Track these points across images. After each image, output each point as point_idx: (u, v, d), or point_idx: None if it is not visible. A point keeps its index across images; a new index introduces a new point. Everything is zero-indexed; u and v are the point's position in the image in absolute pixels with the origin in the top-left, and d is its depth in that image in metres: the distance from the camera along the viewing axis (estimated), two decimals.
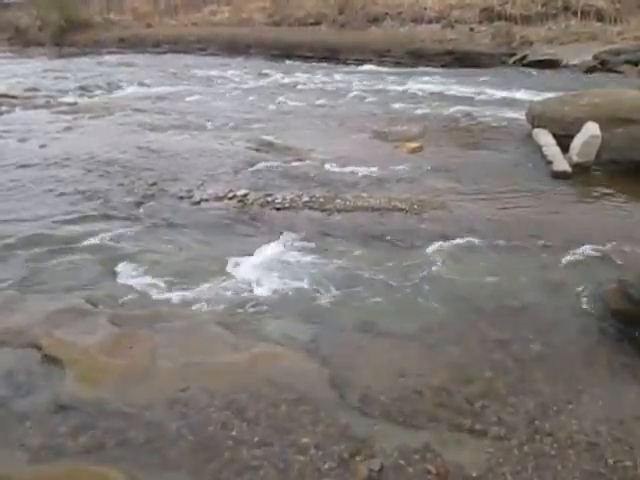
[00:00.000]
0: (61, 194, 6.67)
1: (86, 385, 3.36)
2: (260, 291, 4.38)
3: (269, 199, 6.31)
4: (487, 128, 9.68)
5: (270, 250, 5.06)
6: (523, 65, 16.88)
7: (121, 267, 4.81)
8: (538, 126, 8.51)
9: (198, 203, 6.33)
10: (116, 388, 3.33)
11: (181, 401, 3.23)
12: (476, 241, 5.18)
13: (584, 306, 4.13)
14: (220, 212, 6.08)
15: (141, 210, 6.17)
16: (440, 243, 5.14)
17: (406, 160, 7.81)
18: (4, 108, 11.72)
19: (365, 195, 6.43)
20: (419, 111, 11.18)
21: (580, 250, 4.89)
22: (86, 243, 5.30)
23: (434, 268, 4.73)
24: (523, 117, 9.29)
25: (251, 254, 4.98)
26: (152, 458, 2.86)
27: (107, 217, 5.97)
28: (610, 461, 2.84)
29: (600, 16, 19.25)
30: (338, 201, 6.24)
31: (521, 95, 12.40)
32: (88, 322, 4.01)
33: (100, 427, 3.04)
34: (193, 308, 4.19)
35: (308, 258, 4.93)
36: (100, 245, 5.27)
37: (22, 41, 28.95)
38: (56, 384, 3.37)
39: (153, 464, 2.82)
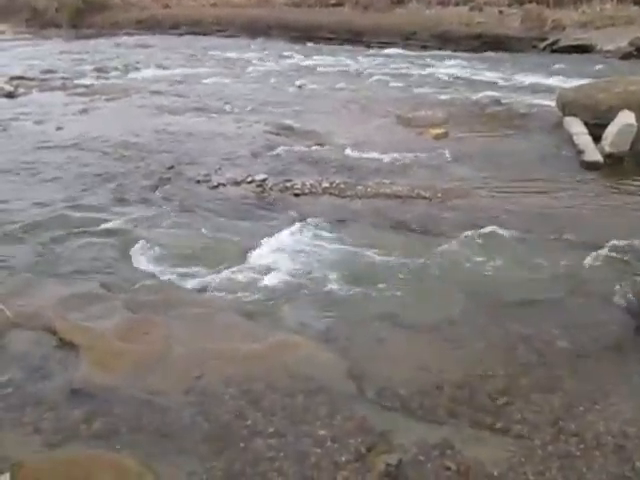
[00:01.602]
0: (77, 177, 6.73)
1: (100, 370, 3.40)
2: (278, 278, 4.38)
3: (288, 184, 6.29)
4: (515, 115, 9.53)
5: (288, 236, 5.05)
6: (554, 50, 16.54)
7: (136, 251, 4.84)
8: (569, 114, 8.35)
9: (216, 187, 6.34)
10: (131, 374, 3.37)
11: (196, 389, 3.25)
12: (501, 232, 5.11)
13: (613, 302, 4.06)
14: (238, 197, 6.10)
15: (157, 194, 6.21)
16: (464, 233, 5.08)
17: (430, 147, 7.73)
18: (21, 90, 11.83)
19: (387, 182, 6.39)
20: (444, 96, 11.04)
21: (610, 244, 4.79)
22: (101, 227, 5.35)
23: (457, 258, 4.68)
24: (553, 104, 9.12)
25: (269, 240, 4.98)
26: (166, 445, 2.89)
27: (123, 201, 6.01)
28: (638, 464, 2.79)
29: None
30: (359, 188, 6.20)
31: (552, 81, 12.17)
32: (103, 307, 4.05)
33: (114, 413, 3.08)
34: (209, 294, 4.22)
35: (327, 245, 4.91)
36: (115, 229, 5.31)
37: (39, 23, 29.11)
38: (70, 369, 3.42)
39: (167, 451, 2.85)
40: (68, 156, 7.50)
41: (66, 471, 2.72)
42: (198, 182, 6.49)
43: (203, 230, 5.29)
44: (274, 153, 7.52)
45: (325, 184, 6.27)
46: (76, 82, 12.94)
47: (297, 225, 5.28)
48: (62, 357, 3.53)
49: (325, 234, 5.14)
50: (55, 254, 4.84)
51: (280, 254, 4.75)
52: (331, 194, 6.07)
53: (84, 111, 10.12)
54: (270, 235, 5.08)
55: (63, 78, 13.42)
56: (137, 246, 4.92)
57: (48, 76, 13.66)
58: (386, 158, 7.21)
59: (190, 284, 4.34)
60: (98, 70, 14.62)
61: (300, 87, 12.33)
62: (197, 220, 5.53)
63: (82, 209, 5.77)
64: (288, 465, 2.77)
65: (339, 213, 5.62)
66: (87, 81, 13.11)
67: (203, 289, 4.28)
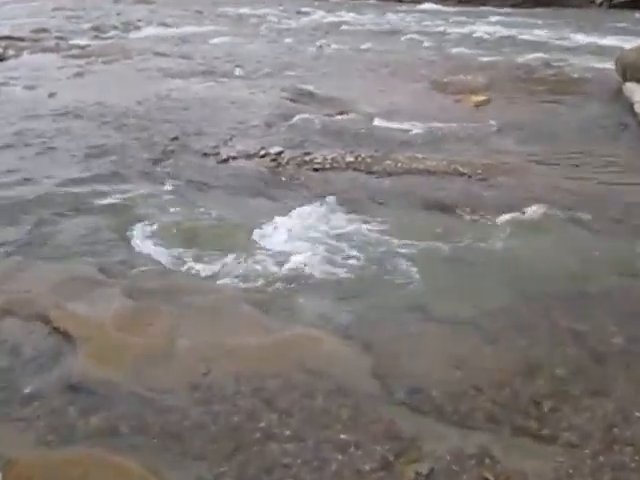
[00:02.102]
0: (71, 150, 6.79)
1: (99, 364, 3.45)
2: (295, 264, 4.39)
3: (307, 158, 6.28)
4: (567, 80, 9.38)
5: (307, 218, 5.05)
6: (613, 5, 16.21)
7: (138, 233, 4.89)
8: (630, 79, 8.19)
9: (225, 161, 6.36)
10: (132, 369, 3.41)
11: (204, 386, 3.29)
12: (550, 214, 5.06)
13: None
14: (250, 172, 6.11)
15: (160, 168, 6.25)
16: (508, 214, 5.04)
17: (469, 116, 7.65)
18: (10, 52, 11.94)
19: (420, 156, 6.34)
20: (486, 58, 10.89)
21: None
22: (98, 205, 5.41)
23: (499, 243, 4.65)
24: (612, 67, 8.95)
25: (285, 222, 4.98)
26: (171, 448, 2.93)
27: (122, 176, 6.06)
28: None
29: None
30: (388, 162, 6.17)
31: (610, 41, 11.95)
32: (101, 294, 4.10)
33: (114, 411, 3.13)
34: (219, 282, 4.24)
35: (351, 228, 4.90)
36: (114, 207, 5.36)
37: None
38: (66, 362, 3.47)
39: (172, 454, 2.90)
40: (61, 126, 7.57)
41: (62, 471, 2.78)
42: (205, 155, 6.52)
43: (211, 209, 5.32)
44: (291, 123, 7.50)
45: (349, 158, 6.25)
46: (71, 43, 13.02)
47: (316, 205, 5.29)
48: (57, 348, 3.59)
49: (348, 215, 5.13)
50: (48, 235, 4.90)
51: (298, 237, 4.76)
52: (355, 169, 6.05)
53: (79, 75, 10.19)
54: (286, 216, 5.08)
55: (57, 38, 13.52)
56: (138, 226, 4.96)
57: (40, 36, 13.76)
58: (419, 129, 7.16)
59: (196, 270, 4.38)
60: (95, 29, 14.70)
61: (321, 48, 12.25)
62: (205, 198, 5.56)
63: (77, 185, 5.83)
64: (306, 473, 2.80)
65: (364, 191, 5.61)
66: (83, 41, 13.20)
67: (211, 276, 4.31)
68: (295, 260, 4.44)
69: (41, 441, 2.96)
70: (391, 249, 4.60)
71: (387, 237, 4.76)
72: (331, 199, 5.37)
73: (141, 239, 4.80)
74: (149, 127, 7.44)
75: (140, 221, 5.05)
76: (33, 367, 3.44)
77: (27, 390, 3.26)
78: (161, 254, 4.58)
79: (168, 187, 5.78)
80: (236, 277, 4.27)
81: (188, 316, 3.87)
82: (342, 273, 4.31)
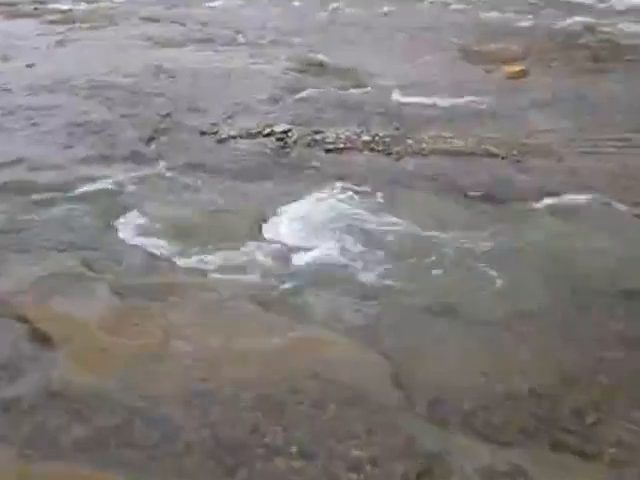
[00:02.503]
0: (51, 128, 6.80)
1: (83, 369, 3.46)
2: (303, 258, 4.39)
3: (318, 137, 6.27)
4: (617, 47, 9.28)
5: (318, 205, 5.05)
6: None
7: (126, 222, 4.90)
8: None
9: (225, 141, 6.35)
10: (119, 374, 3.42)
11: (200, 395, 3.29)
12: (594, 202, 5.03)
13: None
14: (253, 153, 6.10)
15: (151, 148, 6.25)
16: (545, 202, 5.03)
17: (503, 89, 7.60)
18: None
19: (446, 135, 6.31)
20: (522, 23, 10.81)
21: None
22: (82, 190, 5.41)
23: (536, 235, 4.63)
24: None
25: (292, 209, 4.99)
26: (163, 464, 2.94)
27: (108, 158, 6.07)
28: None
29: None
30: (410, 142, 6.14)
31: None
32: (85, 291, 4.12)
33: (100, 422, 3.14)
34: (216, 277, 4.25)
35: (368, 216, 4.89)
36: (99, 194, 5.37)
37: None
38: (46, 367, 3.48)
39: (164, 471, 2.90)
40: (40, 101, 7.59)
41: None
42: (202, 134, 6.51)
43: (208, 195, 5.32)
44: (300, 97, 7.49)
45: (365, 137, 6.23)
46: (51, 7, 13.03)
47: (329, 190, 5.27)
48: (36, 352, 3.60)
49: (364, 202, 5.12)
50: (25, 225, 4.91)
51: (307, 227, 4.76)
52: (373, 150, 6.03)
53: (60, 44, 10.20)
54: (294, 204, 5.08)
55: (35, 2, 13.52)
56: (127, 215, 4.97)
57: None
58: (445, 104, 7.12)
59: (192, 264, 4.38)
60: None
61: (334, 11, 12.19)
62: (201, 182, 5.56)
63: (57, 168, 5.85)
64: None
65: (384, 175, 5.59)
66: (64, 5, 13.19)
67: (209, 271, 4.31)
68: (304, 253, 4.44)
69: (20, 455, 2.97)
70: (414, 240, 4.58)
71: (409, 227, 4.74)
72: (345, 184, 5.35)
73: (129, 230, 4.81)
74: (138, 102, 7.45)
75: (128, 209, 5.06)
76: (9, 373, 3.45)
77: (4, 398, 3.27)
78: (152, 247, 4.59)
79: (160, 170, 5.78)
80: (237, 273, 4.28)
81: (183, 315, 3.87)
82: (358, 268, 4.30)
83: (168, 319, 3.84)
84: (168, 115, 7.01)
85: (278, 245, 4.57)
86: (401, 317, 3.86)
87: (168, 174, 5.72)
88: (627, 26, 10.29)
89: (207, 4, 13.12)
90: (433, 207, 5.07)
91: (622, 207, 5.00)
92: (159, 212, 5.03)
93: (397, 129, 6.47)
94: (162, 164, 5.90)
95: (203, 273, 4.31)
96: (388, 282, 4.18)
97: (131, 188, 5.44)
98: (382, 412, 3.19)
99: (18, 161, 5.98)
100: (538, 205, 5.00)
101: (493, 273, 4.25)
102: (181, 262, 4.43)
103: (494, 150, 5.93)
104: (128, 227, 4.84)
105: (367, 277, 4.23)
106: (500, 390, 3.30)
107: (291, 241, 4.60)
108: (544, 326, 3.77)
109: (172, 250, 4.55)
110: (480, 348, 3.61)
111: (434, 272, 4.24)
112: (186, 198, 5.30)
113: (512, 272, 4.25)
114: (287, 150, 6.13)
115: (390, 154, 5.96)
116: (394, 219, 4.86)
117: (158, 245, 4.61)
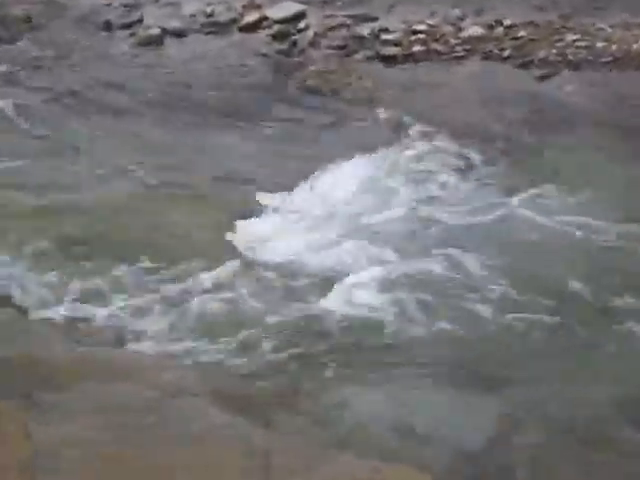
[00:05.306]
0: None
1: None
2: (327, 301, 3.10)
3: (365, 32, 3.71)
4: None
5: (357, 190, 3.56)
6: None
7: None
8: None
9: (157, 42, 3.88)
10: None
11: None
12: None
13: None
14: (224, 67, 3.90)
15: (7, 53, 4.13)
16: None
17: None
18: None
19: None
20: None
21: None
22: None
23: None
24: None
25: (301, 196, 3.54)
26: None
27: None
28: None
29: None
30: (572, 38, 4.03)
31: None
32: None
33: None
34: (136, 348, 2.78)
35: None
36: None
37: None
38: None
39: None
40: None
41: None
42: (106, 29, 4.07)
43: (121, 162, 3.81)
44: None
45: (472, 29, 3.47)
46: None
47: (390, 156, 3.67)
48: None
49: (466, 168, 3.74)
50: None
51: (331, 240, 3.45)
52: (488, 58, 3.37)
53: None
54: (309, 181, 3.59)
55: None
56: None
57: None
58: None
59: (99, 316, 2.96)
60: None
61: None
62: (105, 132, 4.02)
63: None
64: None
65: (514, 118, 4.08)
66: None
67: (126, 336, 2.86)
68: (329, 291, 3.16)
69: None
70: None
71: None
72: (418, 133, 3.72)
73: None
74: None
75: None
76: None
77: None
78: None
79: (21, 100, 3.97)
80: (180, 339, 2.79)
81: (74, 428, 2.26)
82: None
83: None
84: None
85: (274, 270, 3.60)
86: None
87: (40, 112, 4.65)
88: None
89: None
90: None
91: None
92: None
93: (541, 10, 4.12)
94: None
95: (114, 340, 3.18)
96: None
97: None
98: None
99: None
100: None
101: None
102: (79, 312, 3.32)
103: None
104: None
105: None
106: None
107: (299, 260, 3.68)
108: None
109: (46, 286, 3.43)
110: None
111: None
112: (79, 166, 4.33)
113: None
114: (299, 60, 4.37)
115: (530, 64, 3.74)
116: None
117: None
